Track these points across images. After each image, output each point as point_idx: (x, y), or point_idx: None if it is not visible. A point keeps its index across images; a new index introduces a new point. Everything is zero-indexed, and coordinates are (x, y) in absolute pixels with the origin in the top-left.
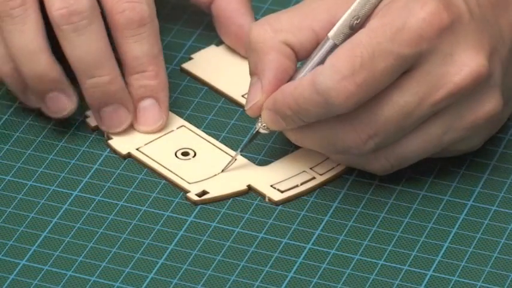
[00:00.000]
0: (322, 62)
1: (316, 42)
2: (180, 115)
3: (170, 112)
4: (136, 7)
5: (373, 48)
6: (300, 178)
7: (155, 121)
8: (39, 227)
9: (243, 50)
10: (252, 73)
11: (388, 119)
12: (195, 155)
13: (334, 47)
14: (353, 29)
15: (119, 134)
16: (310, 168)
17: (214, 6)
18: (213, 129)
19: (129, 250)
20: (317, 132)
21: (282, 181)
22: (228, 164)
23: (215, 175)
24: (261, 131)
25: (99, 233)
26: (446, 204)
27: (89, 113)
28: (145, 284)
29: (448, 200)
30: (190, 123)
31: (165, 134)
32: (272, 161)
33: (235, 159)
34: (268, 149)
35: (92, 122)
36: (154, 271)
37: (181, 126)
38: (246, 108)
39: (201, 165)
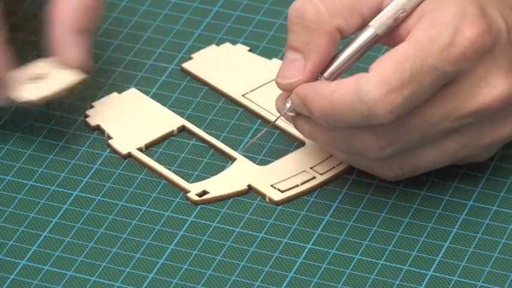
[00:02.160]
0: (360, 51)
1: (362, 27)
2: (180, 115)
3: (170, 112)
4: None
5: (421, 63)
6: (300, 178)
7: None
8: (39, 227)
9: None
10: (296, 48)
11: (412, 128)
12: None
13: (375, 37)
14: (397, 21)
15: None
16: (311, 168)
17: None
18: (213, 129)
19: (129, 250)
20: (335, 131)
21: (282, 181)
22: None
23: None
24: (289, 113)
25: (99, 233)
26: (446, 204)
27: (89, 112)
28: (145, 284)
29: (448, 200)
30: (191, 123)
31: (165, 133)
32: (272, 161)
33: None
34: (268, 149)
35: (92, 122)
36: (154, 271)
37: (182, 125)
38: (280, 82)
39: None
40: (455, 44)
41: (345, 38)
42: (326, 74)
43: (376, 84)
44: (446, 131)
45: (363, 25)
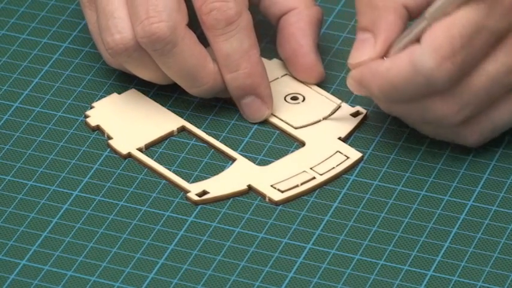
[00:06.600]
0: (417, 36)
1: (427, 4)
2: (180, 115)
3: (170, 112)
4: (222, 7)
5: (471, 27)
6: (300, 178)
7: (260, 115)
8: (39, 227)
9: (295, 67)
10: (365, 29)
11: (479, 88)
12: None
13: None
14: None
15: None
16: (310, 168)
17: (283, 19)
18: (213, 129)
19: (129, 250)
20: (407, 104)
21: (282, 181)
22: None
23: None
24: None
25: (99, 233)
26: (446, 204)
27: (89, 112)
28: (145, 284)
29: (448, 200)
30: (191, 123)
31: (165, 133)
32: (272, 161)
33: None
34: (268, 149)
35: (92, 122)
36: (154, 271)
37: (182, 125)
38: (351, 62)
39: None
40: (500, 1)
41: (413, 15)
42: (391, 54)
43: (429, 54)
44: None
45: (429, 2)
